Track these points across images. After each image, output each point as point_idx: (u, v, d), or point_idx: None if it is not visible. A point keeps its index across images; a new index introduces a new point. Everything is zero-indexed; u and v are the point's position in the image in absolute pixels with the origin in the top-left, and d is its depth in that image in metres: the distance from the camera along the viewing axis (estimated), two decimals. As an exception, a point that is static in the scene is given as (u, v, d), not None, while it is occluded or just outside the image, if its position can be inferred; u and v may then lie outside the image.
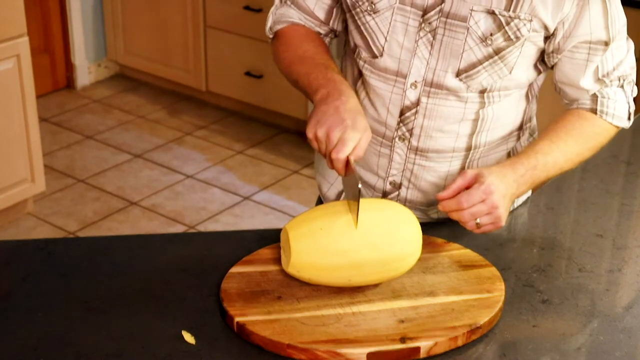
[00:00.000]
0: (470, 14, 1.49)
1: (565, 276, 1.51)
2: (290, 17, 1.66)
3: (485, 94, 1.57)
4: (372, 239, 1.37)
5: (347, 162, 1.41)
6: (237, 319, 1.31)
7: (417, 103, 1.57)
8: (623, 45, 1.58)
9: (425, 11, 1.52)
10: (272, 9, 1.70)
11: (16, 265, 1.49)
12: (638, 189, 1.86)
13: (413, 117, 1.59)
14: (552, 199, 1.78)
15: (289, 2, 1.66)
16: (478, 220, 1.43)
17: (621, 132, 1.67)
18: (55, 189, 3.79)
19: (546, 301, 1.44)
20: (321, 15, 1.65)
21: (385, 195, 1.68)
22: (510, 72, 1.55)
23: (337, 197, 1.76)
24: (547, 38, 1.54)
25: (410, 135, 1.60)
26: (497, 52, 1.51)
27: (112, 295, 1.40)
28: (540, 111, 1.83)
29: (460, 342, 1.31)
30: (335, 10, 1.65)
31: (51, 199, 3.71)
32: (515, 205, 1.74)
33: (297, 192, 3.82)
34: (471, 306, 1.36)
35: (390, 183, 1.66)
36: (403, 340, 1.28)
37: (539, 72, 1.61)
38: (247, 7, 4.15)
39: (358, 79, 1.65)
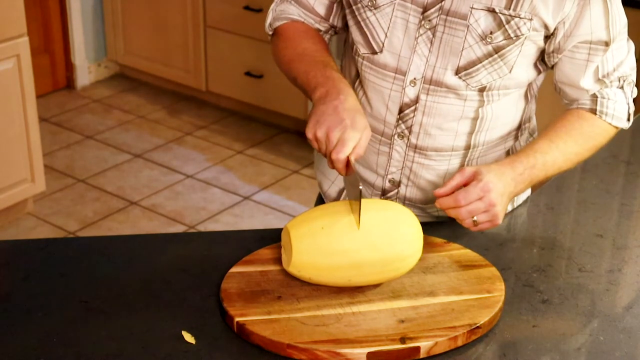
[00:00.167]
0: (471, 12, 1.49)
1: (565, 276, 1.51)
2: (290, 14, 1.66)
3: (485, 93, 1.57)
4: (373, 239, 1.37)
5: (348, 162, 1.41)
6: (237, 319, 1.31)
7: (416, 100, 1.57)
8: (623, 46, 1.58)
9: (425, 8, 1.52)
10: (272, 5, 1.70)
11: (16, 265, 1.49)
12: (638, 189, 1.86)
13: (412, 115, 1.59)
14: (552, 199, 1.78)
15: (289, -1, 1.67)
16: (475, 218, 1.43)
17: (621, 132, 1.67)
18: (55, 189, 3.79)
19: (546, 301, 1.44)
20: (321, 11, 1.65)
21: (384, 193, 1.68)
22: (510, 71, 1.55)
23: (338, 195, 1.76)
24: (548, 37, 1.54)
25: (409, 132, 1.60)
26: (497, 50, 1.52)
27: (112, 295, 1.40)
28: (540, 111, 1.83)
29: (460, 342, 1.31)
30: (335, 6, 1.65)
31: (51, 199, 3.71)
32: (515, 205, 1.74)
33: (297, 192, 3.82)
34: (471, 306, 1.36)
35: (390, 181, 1.66)
36: (403, 340, 1.28)
37: (539, 72, 1.61)
38: (247, 7, 4.15)
39: (357, 77, 1.65)
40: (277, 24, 1.68)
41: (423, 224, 1.47)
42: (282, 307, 1.34)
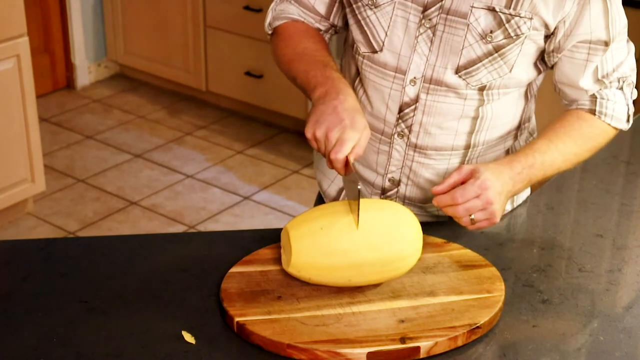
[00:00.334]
0: (471, 11, 1.49)
1: (565, 276, 1.51)
2: (290, 14, 1.66)
3: (485, 92, 1.57)
4: (373, 239, 1.37)
5: (347, 162, 1.41)
6: (237, 319, 1.31)
7: (416, 99, 1.57)
8: (623, 47, 1.58)
9: (425, 7, 1.52)
10: (272, 5, 1.70)
11: (16, 265, 1.49)
12: (638, 189, 1.86)
13: (412, 114, 1.59)
14: (552, 199, 1.78)
15: (289, -2, 1.67)
16: (472, 216, 1.43)
17: (621, 132, 1.67)
18: (55, 189, 3.79)
19: (546, 301, 1.44)
20: (322, 9, 1.65)
21: (384, 192, 1.68)
22: (510, 70, 1.55)
23: (338, 194, 1.76)
24: (548, 37, 1.54)
25: (409, 132, 1.60)
26: (497, 49, 1.52)
27: (112, 295, 1.40)
28: (540, 111, 1.83)
29: (460, 342, 1.31)
30: (336, 4, 1.65)
31: (51, 199, 3.71)
32: (515, 205, 1.74)
33: (297, 192, 3.82)
34: (471, 306, 1.36)
35: (389, 180, 1.66)
36: (403, 340, 1.28)
37: (539, 72, 1.61)
38: (247, 7, 4.15)
39: (357, 76, 1.65)
40: (277, 23, 1.68)
41: (423, 224, 1.47)
42: (282, 307, 1.34)
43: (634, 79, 1.62)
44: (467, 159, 1.64)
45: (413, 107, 1.58)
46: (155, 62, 4.65)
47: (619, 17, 1.54)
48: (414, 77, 1.56)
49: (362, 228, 1.36)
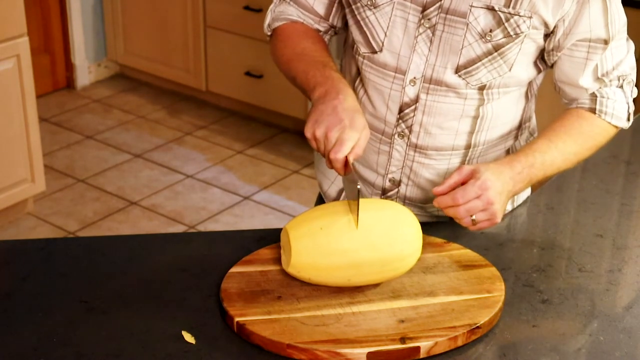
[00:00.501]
0: (470, 10, 1.49)
1: (565, 276, 1.51)
2: (290, 15, 1.66)
3: (485, 91, 1.57)
4: (372, 239, 1.37)
5: (346, 162, 1.41)
6: (237, 319, 1.31)
7: (416, 100, 1.57)
8: (623, 45, 1.58)
9: (424, 7, 1.52)
10: (271, 6, 1.70)
11: (16, 265, 1.49)
12: (638, 189, 1.86)
13: (412, 114, 1.59)
14: (552, 199, 1.78)
15: (288, 0, 1.66)
16: (474, 217, 1.43)
17: (621, 132, 1.67)
18: (55, 189, 3.79)
19: (546, 301, 1.44)
20: (321, 10, 1.65)
21: (384, 192, 1.68)
22: (510, 69, 1.55)
23: (338, 195, 1.76)
24: (547, 36, 1.54)
25: (410, 132, 1.60)
26: (497, 48, 1.52)
27: (112, 295, 1.40)
28: (540, 110, 1.83)
29: (460, 342, 1.31)
30: (335, 5, 1.65)
31: (51, 199, 3.71)
32: (515, 205, 1.74)
33: (297, 192, 3.82)
34: (471, 306, 1.36)
35: (390, 180, 1.66)
36: (403, 340, 1.28)
37: (539, 71, 1.61)
38: (247, 7, 4.15)
39: (357, 76, 1.65)
40: (276, 24, 1.68)
41: (423, 224, 1.47)
42: (282, 307, 1.34)
43: (634, 77, 1.62)
44: (467, 158, 1.64)
45: (413, 107, 1.58)
46: (155, 62, 4.65)
47: (619, 16, 1.54)
48: (414, 77, 1.56)
49: (362, 228, 1.36)
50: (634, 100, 1.64)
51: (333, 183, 1.76)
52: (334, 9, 1.66)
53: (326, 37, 1.69)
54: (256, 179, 3.93)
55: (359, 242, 1.36)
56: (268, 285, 1.40)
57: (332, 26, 1.68)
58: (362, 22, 1.59)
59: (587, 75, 1.57)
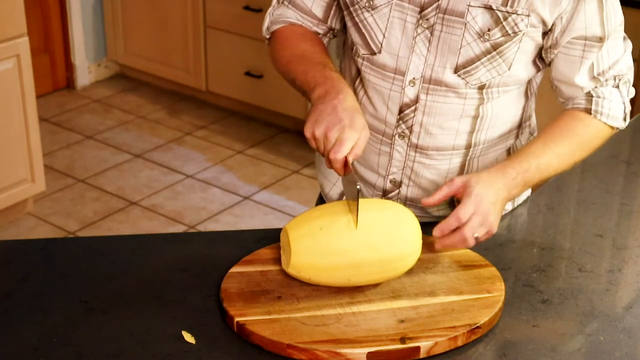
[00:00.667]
0: (468, 10, 1.49)
1: (565, 276, 1.51)
2: (288, 18, 1.66)
3: (484, 90, 1.57)
4: (372, 239, 1.37)
5: (346, 162, 1.40)
6: (237, 319, 1.31)
7: (416, 100, 1.57)
8: (620, 45, 1.58)
9: (422, 7, 1.52)
10: (270, 9, 1.70)
11: (16, 265, 1.49)
12: (638, 189, 1.86)
13: (412, 115, 1.59)
14: (552, 199, 1.78)
15: (286, 3, 1.66)
16: (476, 234, 1.43)
17: (621, 132, 1.67)
18: (55, 189, 3.79)
19: (546, 301, 1.44)
20: (319, 13, 1.65)
21: (385, 193, 1.68)
22: (509, 68, 1.55)
23: (340, 197, 1.76)
24: (546, 34, 1.54)
25: (410, 132, 1.60)
26: (495, 47, 1.52)
27: (112, 295, 1.40)
28: (539, 110, 1.83)
29: (460, 342, 1.31)
30: (333, 7, 1.65)
31: (51, 199, 3.71)
32: (515, 205, 1.74)
33: (297, 192, 3.82)
34: (471, 306, 1.36)
35: (391, 181, 1.66)
36: (403, 340, 1.28)
37: (538, 69, 1.61)
38: (247, 7, 4.15)
39: (357, 77, 1.65)
40: (275, 27, 1.68)
41: (423, 224, 1.47)
42: (282, 307, 1.34)
43: (631, 77, 1.61)
44: (468, 158, 1.64)
45: (413, 107, 1.58)
46: (155, 62, 4.65)
47: (615, 14, 1.54)
48: (413, 78, 1.56)
49: (362, 228, 1.36)
50: (632, 101, 1.64)
51: (335, 185, 1.76)
52: (332, 11, 1.65)
53: (325, 40, 1.69)
54: (256, 179, 3.93)
55: (359, 242, 1.36)
56: (268, 285, 1.40)
57: (330, 28, 1.68)
58: (360, 24, 1.59)
59: (583, 73, 1.57)
